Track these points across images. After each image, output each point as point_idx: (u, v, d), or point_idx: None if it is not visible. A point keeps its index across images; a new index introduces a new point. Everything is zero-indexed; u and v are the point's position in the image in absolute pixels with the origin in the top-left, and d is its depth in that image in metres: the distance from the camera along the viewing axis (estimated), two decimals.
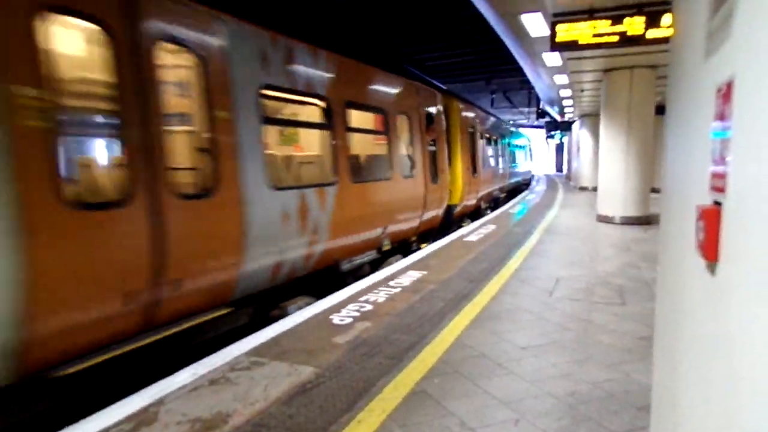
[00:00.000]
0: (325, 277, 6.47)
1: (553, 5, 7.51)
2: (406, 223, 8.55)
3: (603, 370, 3.52)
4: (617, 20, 7.15)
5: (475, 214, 14.04)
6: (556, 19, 7.51)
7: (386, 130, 7.89)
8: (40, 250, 3.10)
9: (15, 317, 3.01)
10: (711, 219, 1.16)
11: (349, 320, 4.60)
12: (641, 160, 11.31)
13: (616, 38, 7.18)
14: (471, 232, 10.15)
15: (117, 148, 3.96)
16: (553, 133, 34.87)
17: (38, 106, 3.11)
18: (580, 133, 25.21)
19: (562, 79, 14.38)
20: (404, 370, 3.54)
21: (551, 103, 23.07)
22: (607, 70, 11.73)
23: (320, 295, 5.92)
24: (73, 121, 4.17)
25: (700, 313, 1.31)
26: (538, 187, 25.89)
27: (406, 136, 8.70)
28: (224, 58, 4.59)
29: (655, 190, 11.78)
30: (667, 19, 6.89)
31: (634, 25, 7.02)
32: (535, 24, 8.48)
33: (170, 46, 4.18)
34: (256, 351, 3.91)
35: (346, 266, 6.78)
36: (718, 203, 1.17)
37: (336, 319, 4.64)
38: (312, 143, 7.10)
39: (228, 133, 4.60)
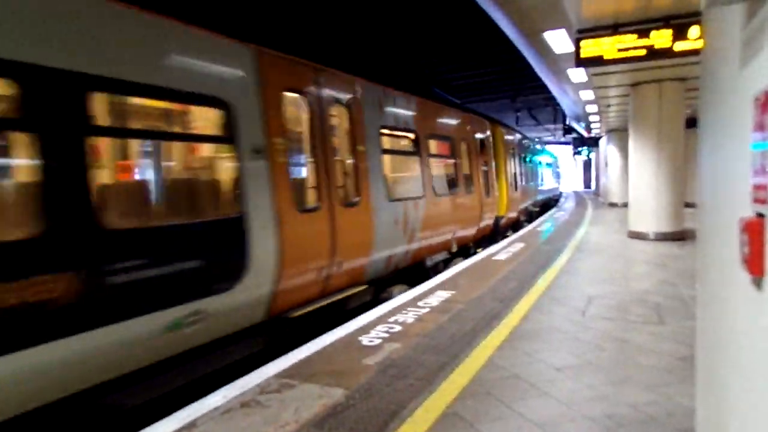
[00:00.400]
0: (415, 271, 8.20)
1: (577, 22, 7.51)
2: (468, 230, 10.44)
3: (642, 392, 3.39)
4: (643, 34, 7.08)
5: (515, 225, 15.61)
6: (580, 35, 7.49)
7: (453, 154, 9.76)
8: (285, 237, 4.89)
9: (273, 278, 4.79)
10: (755, 232, 1.12)
11: (378, 341, 4.56)
12: (673, 174, 11.05)
13: (642, 52, 7.10)
14: (499, 250, 10.03)
15: (312, 174, 5.76)
16: (580, 149, 34.42)
17: (281, 149, 4.95)
18: (607, 148, 24.82)
19: (587, 94, 14.26)
20: (435, 391, 3.48)
21: (577, 119, 22.85)
22: (634, 85, 11.58)
23: (412, 284, 7.67)
24: (292, 156, 5.47)
25: (747, 331, 1.25)
26: (567, 204, 25.49)
27: (467, 158, 10.50)
28: (360, 108, 6.50)
29: (689, 205, 11.46)
30: (695, 31, 6.79)
31: (661, 38, 6.94)
32: (558, 41, 8.48)
33: (335, 104, 6.07)
34: (286, 373, 3.91)
35: (429, 263, 8.62)
36: (761, 215, 1.13)
37: (365, 340, 4.61)
38: (407, 166, 8.58)
39: (363, 160, 6.45)
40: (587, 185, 50.61)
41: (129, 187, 5.21)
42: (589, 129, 25.93)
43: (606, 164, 25.55)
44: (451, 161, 9.75)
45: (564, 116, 26.48)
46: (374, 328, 4.98)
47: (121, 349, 3.48)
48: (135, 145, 5.81)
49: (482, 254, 9.64)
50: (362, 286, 6.41)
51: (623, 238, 11.59)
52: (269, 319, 4.95)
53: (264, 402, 3.40)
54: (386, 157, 7.46)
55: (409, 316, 5.36)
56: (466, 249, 10.61)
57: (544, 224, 15.50)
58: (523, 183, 17.14)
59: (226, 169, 5.24)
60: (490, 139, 12.46)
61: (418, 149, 8.13)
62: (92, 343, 3.27)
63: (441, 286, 6.82)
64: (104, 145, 5.25)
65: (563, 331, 4.76)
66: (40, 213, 3.08)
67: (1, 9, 2.92)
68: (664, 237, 11.02)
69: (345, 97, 6.23)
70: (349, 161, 6.35)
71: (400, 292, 7.04)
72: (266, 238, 4.71)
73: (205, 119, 4.93)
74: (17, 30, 3.00)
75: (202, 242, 4.16)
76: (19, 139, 3.83)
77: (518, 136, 17.14)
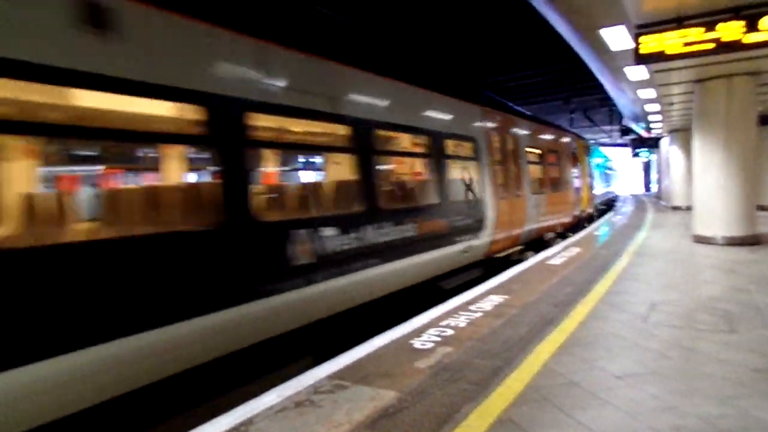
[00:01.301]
0: (536, 243, 11.82)
1: (636, 16, 7.20)
2: (567, 218, 14.39)
3: (714, 405, 3.18)
4: (710, 26, 6.70)
5: (590, 219, 18.82)
6: (640, 30, 7.18)
7: (559, 163, 13.60)
8: (496, 212, 8.75)
9: (491, 233, 8.67)
10: None
11: (430, 345, 4.53)
12: (743, 175, 10.36)
13: (711, 45, 6.71)
14: (553, 255, 9.74)
15: (503, 177, 9.57)
16: (639, 150, 32.95)
17: (494, 163, 9.02)
18: (670, 149, 23.64)
19: (647, 93, 13.64)
20: (489, 396, 3.41)
21: (636, 120, 21.88)
22: (699, 81, 10.97)
23: (537, 250, 11.35)
24: (496, 167, 9.24)
25: None
26: (624, 208, 24.46)
27: (568, 166, 14.55)
28: (519, 136, 10.55)
29: (763, 208, 10.68)
30: None
31: (730, 30, 6.54)
32: (616, 37, 8.16)
33: (509, 134, 10.01)
34: (338, 374, 3.94)
35: (546, 237, 12.63)
36: None
37: (417, 343, 4.58)
38: (536, 171, 11.87)
39: (520, 167, 10.41)
40: (647, 188, 48.36)
41: (457, 183, 8.16)
42: (648, 129, 24.77)
43: (668, 166, 24.34)
44: (559, 168, 13.48)
45: (621, 117, 25.46)
46: (426, 331, 4.95)
47: (446, 259, 7.35)
48: (458, 163, 8.54)
49: (535, 259, 9.40)
50: (519, 246, 10.59)
51: (688, 242, 10.98)
52: (484, 258, 8.80)
53: (317, 402, 3.44)
54: (530, 166, 11.14)
55: (461, 320, 5.29)
56: (561, 235, 14.28)
57: (600, 228, 14.94)
58: (594, 184, 21.08)
59: (475, 174, 8.50)
60: (578, 150, 16.32)
61: (542, 160, 11.96)
62: (441, 253, 7.12)
63: (494, 291, 6.69)
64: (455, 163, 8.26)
65: (623, 338, 4.55)
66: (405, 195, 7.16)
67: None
68: (733, 241, 10.35)
69: (513, 129, 10.33)
70: (516, 169, 10.29)
71: (530, 257, 10.41)
72: (490, 211, 8.71)
73: (467, 148, 8.38)
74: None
75: (472, 212, 8.13)
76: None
77: (590, 144, 20.57)
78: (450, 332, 4.88)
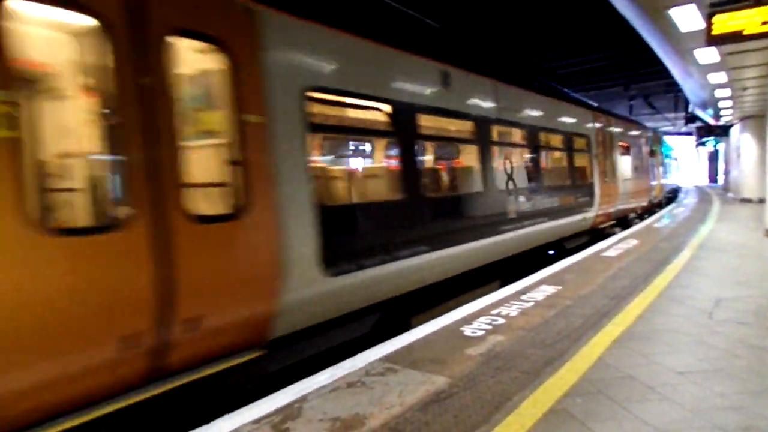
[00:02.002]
0: (622, 222, 14.26)
1: None
2: (644, 202, 16.65)
3: None
4: None
5: (659, 205, 20.74)
6: (713, 9, 6.73)
7: (640, 154, 15.84)
8: (600, 192, 11.39)
9: (596, 209, 11.15)
10: None
11: (481, 333, 4.50)
12: None
13: None
14: (608, 247, 9.41)
15: (602, 165, 11.57)
16: (705, 139, 31.09)
17: (599, 154, 11.45)
18: (741, 137, 22.19)
19: (718, 77, 12.83)
20: (542, 386, 3.36)
21: (704, 106, 20.63)
22: None
23: (623, 227, 13.91)
24: (598, 157, 11.41)
25: None
26: (687, 200, 23.22)
27: (648, 157, 17.10)
28: (613, 132, 12.67)
29: None
30: None
31: None
32: (686, 17, 7.70)
33: (607, 131, 12.21)
34: (390, 358, 3.99)
35: (630, 217, 15.18)
36: None
37: (467, 331, 4.57)
38: (625, 161, 14.02)
39: (614, 158, 12.48)
40: (713, 179, 45.66)
41: (580, 170, 10.60)
42: (717, 116, 23.30)
43: (738, 155, 22.87)
44: (640, 159, 15.73)
45: (687, 103, 24.08)
46: (476, 319, 4.92)
47: (573, 223, 9.97)
48: (580, 155, 10.81)
49: (589, 251, 9.11)
50: (612, 221, 13.09)
51: (758, 236, 10.31)
52: (590, 228, 11.24)
53: (369, 384, 3.51)
54: (617, 155, 13.05)
55: (513, 310, 5.22)
56: (639, 217, 16.71)
57: (660, 220, 14.27)
58: (664, 174, 23.30)
59: (589, 163, 10.96)
60: (654, 143, 18.57)
61: (628, 152, 14.19)
62: (572, 219, 9.77)
63: (546, 281, 6.55)
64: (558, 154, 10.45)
65: (686, 334, 4.35)
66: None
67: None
68: None
69: (609, 127, 12.43)
70: (611, 159, 12.44)
71: (617, 232, 12.77)
72: (596, 192, 11.00)
73: (584, 143, 10.73)
74: None
75: (587, 192, 10.62)
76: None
77: (661, 136, 22.79)
78: (501, 321, 4.83)
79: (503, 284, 7.18)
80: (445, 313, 5.24)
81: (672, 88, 22.12)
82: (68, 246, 2.73)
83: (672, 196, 27.26)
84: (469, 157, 7.43)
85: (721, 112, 21.36)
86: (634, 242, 9.87)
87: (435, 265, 5.75)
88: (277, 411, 3.14)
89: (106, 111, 3.05)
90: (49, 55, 3.39)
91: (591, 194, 10.80)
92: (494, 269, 7.51)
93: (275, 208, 3.84)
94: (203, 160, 3.73)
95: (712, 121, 26.19)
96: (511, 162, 7.82)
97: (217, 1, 3.58)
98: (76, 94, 3.51)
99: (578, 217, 10.19)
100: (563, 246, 10.14)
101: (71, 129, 3.54)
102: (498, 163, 7.42)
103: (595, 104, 15.79)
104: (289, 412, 3.13)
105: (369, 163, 7.73)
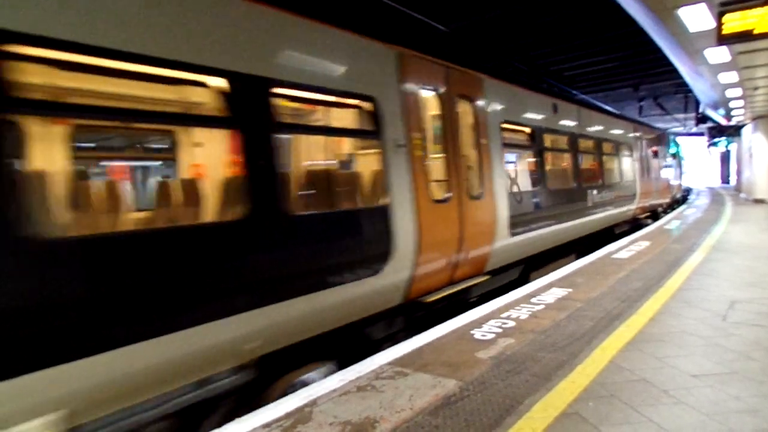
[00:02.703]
0: (652, 215, 16.48)
1: None
2: (668, 198, 19.27)
3: None
4: None
5: (676, 202, 22.40)
6: (723, 8, 6.67)
7: (665, 157, 18.45)
8: (640, 189, 14.30)
9: (636, 203, 13.86)
10: None
11: (491, 336, 4.47)
12: None
13: None
14: (620, 249, 9.32)
15: (647, 168, 15.47)
16: (716, 140, 30.75)
17: (644, 160, 14.93)
18: (753, 137, 21.94)
19: (729, 77, 12.70)
20: (553, 389, 3.33)
21: (714, 107, 20.43)
22: None
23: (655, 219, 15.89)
24: (639, 160, 14.43)
25: None
26: (699, 201, 22.98)
27: (669, 159, 19.49)
28: (646, 138, 15.46)
29: None
30: None
31: None
32: (695, 17, 7.63)
33: (643, 140, 15.27)
34: (400, 361, 3.97)
35: (658, 210, 17.22)
36: None
37: (477, 334, 4.54)
38: (654, 164, 16.32)
39: (648, 161, 15.36)
40: (725, 180, 45.14)
41: (628, 171, 13.40)
42: (729, 116, 23.06)
43: (750, 155, 22.61)
44: (665, 162, 18.53)
45: (697, 104, 23.86)
46: (486, 322, 4.89)
47: (622, 213, 12.76)
48: (626, 159, 13.51)
49: (600, 253, 9.03)
50: (646, 214, 15.09)
51: None
52: (631, 219, 13.63)
53: (379, 387, 3.50)
54: (650, 158, 15.50)
55: (523, 313, 5.19)
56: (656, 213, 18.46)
57: (671, 222, 14.14)
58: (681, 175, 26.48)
59: (631, 165, 13.57)
60: (676, 149, 21.91)
61: (657, 156, 16.53)
62: (622, 209, 12.75)
63: (556, 284, 6.51)
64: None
65: (700, 337, 4.30)
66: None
67: None
68: None
69: (645, 136, 15.38)
70: (646, 162, 15.12)
71: (650, 224, 14.26)
72: (637, 188, 13.54)
73: (628, 148, 13.42)
74: None
75: (631, 188, 13.33)
76: None
77: (677, 141, 25.47)
78: (511, 324, 4.80)
79: (578, 257, 9.63)
80: (550, 272, 7.45)
81: (682, 88, 21.94)
82: (472, 204, 6.14)
83: (677, 200, 27.21)
84: (568, 161, 9.93)
85: (733, 112, 21.14)
86: (645, 244, 9.78)
87: (556, 233, 8.68)
88: (288, 415, 3.14)
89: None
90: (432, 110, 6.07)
91: (633, 191, 13.61)
92: (570, 246, 9.81)
93: (492, 194, 6.61)
94: (465, 167, 6.21)
95: (723, 122, 25.92)
96: (588, 165, 10.80)
97: (471, 77, 6.47)
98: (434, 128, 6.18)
99: (625, 208, 12.97)
100: (613, 232, 12.57)
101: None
102: (581, 166, 10.06)
103: (616, 110, 18.10)
104: (300, 416, 3.13)
105: (523, 167, 10.01)
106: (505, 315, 5.13)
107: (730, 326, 4.56)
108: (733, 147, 33.43)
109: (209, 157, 5.00)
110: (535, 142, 8.09)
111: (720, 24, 6.71)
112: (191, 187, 4.18)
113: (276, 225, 3.74)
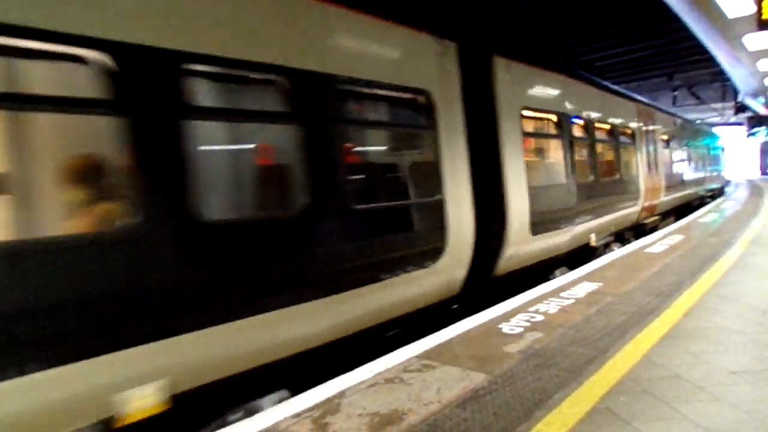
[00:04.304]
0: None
1: None
2: (720, 182, 24.37)
3: None
4: None
5: (722, 189, 25.46)
6: None
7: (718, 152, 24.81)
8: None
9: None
10: None
11: (519, 330, 4.43)
12: None
13: None
14: (652, 242, 9.09)
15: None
16: (756, 130, 29.61)
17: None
18: None
19: None
20: (584, 384, 3.28)
21: (754, 95, 19.67)
22: None
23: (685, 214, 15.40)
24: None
25: None
26: (737, 194, 22.20)
27: (721, 153, 25.57)
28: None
29: None
30: None
31: None
32: (733, 2, 7.35)
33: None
34: (427, 354, 3.98)
35: (714, 195, 22.10)
36: None
37: (505, 328, 4.51)
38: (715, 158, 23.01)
39: (714, 155, 23.86)
40: (764, 171, 43.44)
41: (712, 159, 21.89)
42: None
43: None
44: (719, 155, 23.03)
45: (735, 93, 23.01)
46: (514, 316, 4.85)
47: (697, 193, 19.08)
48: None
49: (632, 246, 8.83)
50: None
51: None
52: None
53: (407, 380, 3.51)
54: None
55: (552, 307, 5.12)
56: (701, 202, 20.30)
57: (707, 215, 13.70)
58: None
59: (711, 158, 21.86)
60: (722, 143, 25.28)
61: (720, 150, 23.25)
62: (685, 191, 16.63)
63: (587, 278, 6.39)
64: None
65: (738, 332, 4.17)
66: None
67: None
68: None
69: (712, 135, 23.95)
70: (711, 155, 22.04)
71: (672, 222, 13.50)
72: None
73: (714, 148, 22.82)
74: None
75: (711, 174, 21.89)
76: None
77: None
78: (540, 318, 4.75)
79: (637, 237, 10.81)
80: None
81: (718, 77, 21.24)
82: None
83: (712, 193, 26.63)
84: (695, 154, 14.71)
85: None
86: (680, 237, 9.51)
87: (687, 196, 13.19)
88: (317, 406, 3.18)
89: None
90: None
91: (704, 177, 18.39)
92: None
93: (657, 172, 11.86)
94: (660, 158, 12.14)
95: (763, 110, 24.94)
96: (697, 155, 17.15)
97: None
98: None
99: (702, 188, 17.95)
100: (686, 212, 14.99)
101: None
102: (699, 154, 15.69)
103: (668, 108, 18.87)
104: (329, 407, 3.16)
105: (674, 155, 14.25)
106: (533, 309, 5.07)
107: None
108: None
109: None
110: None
111: (760, 8, 6.44)
112: None
113: None
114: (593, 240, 8.60)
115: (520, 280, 6.59)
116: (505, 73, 6.29)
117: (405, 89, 4.92)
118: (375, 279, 4.26)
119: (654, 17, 14.19)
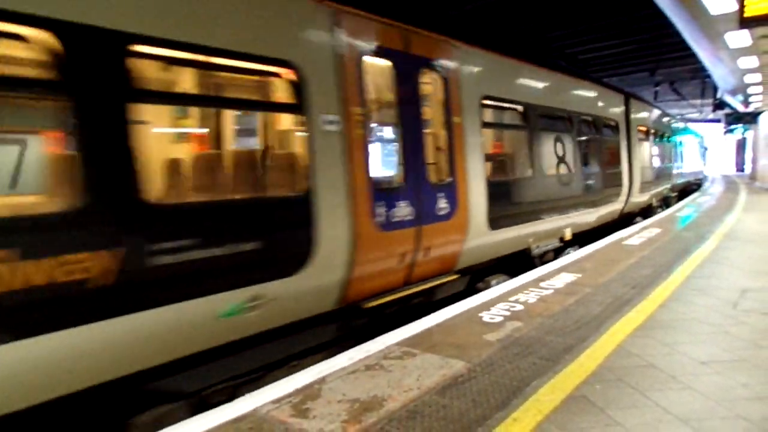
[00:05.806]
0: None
1: None
2: (700, 175, 28.23)
3: None
4: None
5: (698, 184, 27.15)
6: None
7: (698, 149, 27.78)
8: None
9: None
10: None
11: (499, 319, 4.49)
12: None
13: None
14: (630, 235, 9.26)
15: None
16: (733, 126, 30.24)
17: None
18: None
19: (749, 62, 12.44)
20: (560, 373, 3.34)
21: (733, 93, 20.05)
22: None
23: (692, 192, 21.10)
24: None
25: None
26: (713, 189, 22.70)
27: (702, 150, 29.74)
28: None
29: None
30: None
31: None
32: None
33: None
34: (408, 342, 4.00)
35: (692, 189, 23.83)
36: None
37: (486, 317, 4.56)
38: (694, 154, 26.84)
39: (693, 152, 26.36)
40: (740, 168, 44.48)
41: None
42: (747, 103, 22.62)
43: (767, 143, 22.23)
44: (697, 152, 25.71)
45: (715, 89, 23.41)
46: (495, 305, 4.91)
47: (683, 183, 22.82)
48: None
49: (611, 238, 8.99)
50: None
51: None
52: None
53: (387, 367, 3.53)
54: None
55: (531, 297, 5.19)
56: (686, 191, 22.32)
57: (683, 209, 14.00)
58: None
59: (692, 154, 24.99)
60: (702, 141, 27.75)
61: (698, 147, 25.85)
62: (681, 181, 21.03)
63: (565, 269, 6.49)
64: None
65: (710, 324, 4.28)
66: None
67: None
68: None
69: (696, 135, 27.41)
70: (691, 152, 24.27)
71: (668, 208, 15.22)
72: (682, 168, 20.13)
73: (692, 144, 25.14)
74: None
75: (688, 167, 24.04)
76: None
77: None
78: (520, 308, 4.81)
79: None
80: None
81: (699, 73, 21.54)
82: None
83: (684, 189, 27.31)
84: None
85: (751, 99, 20.76)
86: (657, 231, 9.70)
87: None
88: (297, 391, 3.19)
89: None
90: None
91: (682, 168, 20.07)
92: None
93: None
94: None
95: (741, 108, 25.47)
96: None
97: None
98: None
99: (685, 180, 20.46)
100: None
101: None
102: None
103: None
104: (309, 392, 3.17)
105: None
106: (513, 298, 5.13)
107: (741, 314, 4.53)
108: (749, 135, 32.86)
109: None
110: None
111: (742, 6, 6.54)
112: None
113: None
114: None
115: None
116: None
117: None
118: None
119: (637, 12, 14.31)
